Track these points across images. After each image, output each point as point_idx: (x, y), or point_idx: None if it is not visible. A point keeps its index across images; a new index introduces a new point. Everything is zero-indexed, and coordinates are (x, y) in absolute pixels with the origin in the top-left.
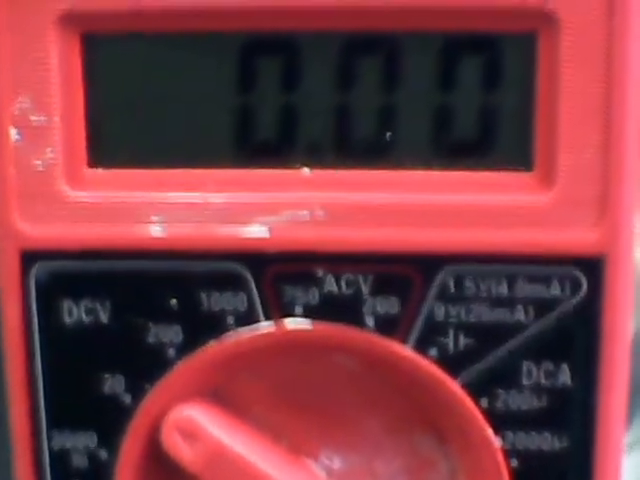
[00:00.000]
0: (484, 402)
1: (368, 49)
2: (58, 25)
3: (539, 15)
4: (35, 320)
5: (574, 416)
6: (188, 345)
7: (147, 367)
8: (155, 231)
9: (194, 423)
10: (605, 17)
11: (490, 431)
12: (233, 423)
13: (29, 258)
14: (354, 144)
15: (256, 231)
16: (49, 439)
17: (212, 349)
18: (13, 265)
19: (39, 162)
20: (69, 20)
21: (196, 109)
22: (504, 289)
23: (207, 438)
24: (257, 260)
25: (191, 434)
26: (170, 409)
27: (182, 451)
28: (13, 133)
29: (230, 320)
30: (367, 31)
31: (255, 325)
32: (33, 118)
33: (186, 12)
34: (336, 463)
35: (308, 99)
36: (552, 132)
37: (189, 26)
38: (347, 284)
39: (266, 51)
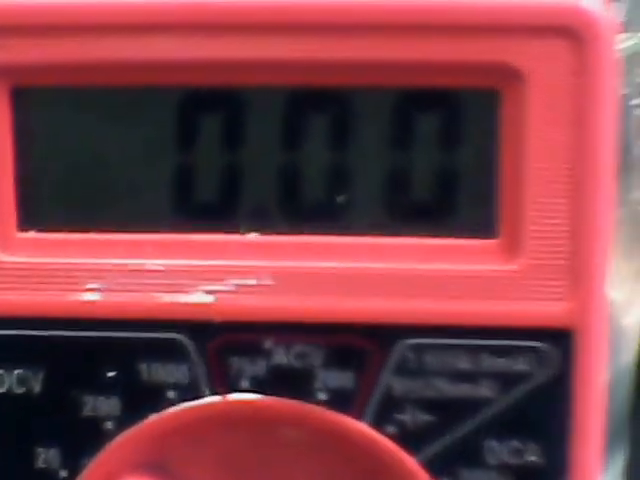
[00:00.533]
0: None
1: (316, 105)
2: None
3: (503, 71)
4: None
5: None
6: (127, 418)
7: (84, 441)
8: (91, 298)
9: None
10: (575, 74)
11: None
12: None
13: None
14: (303, 207)
15: (199, 299)
16: None
17: (152, 422)
18: None
19: None
20: None
21: (133, 168)
22: (466, 363)
23: None
24: (200, 329)
25: None
26: None
27: None
28: None
29: (171, 393)
30: (315, 86)
31: (198, 398)
32: None
33: (121, 65)
34: None
35: (253, 158)
36: (517, 196)
37: (125, 80)
38: (297, 356)
39: (207, 106)
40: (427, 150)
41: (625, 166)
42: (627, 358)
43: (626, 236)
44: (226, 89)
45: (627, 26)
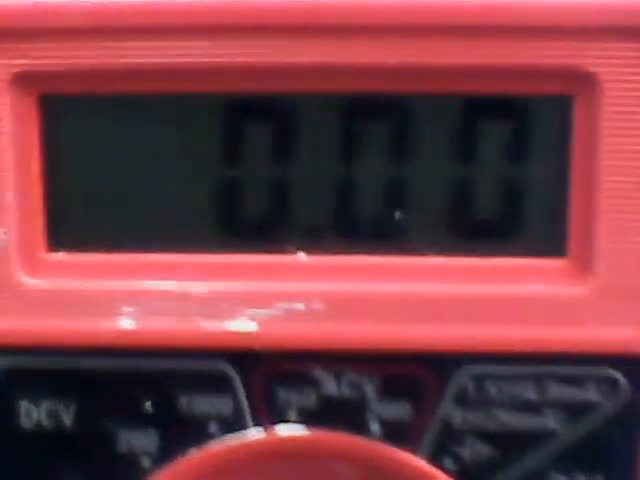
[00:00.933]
0: None
1: (374, 114)
2: (12, 85)
3: (576, 76)
4: None
5: None
6: (165, 454)
7: (118, 479)
8: (126, 324)
9: None
10: None
11: None
12: None
13: None
14: (358, 225)
15: (244, 325)
16: None
17: (192, 459)
18: None
19: None
20: (25, 80)
21: (173, 183)
22: (531, 392)
23: None
24: (244, 358)
25: None
26: None
27: None
28: None
29: (213, 426)
30: (372, 93)
31: (242, 432)
32: None
33: (159, 70)
34: None
35: (304, 172)
36: (589, 211)
37: (163, 87)
38: (349, 386)
39: (256, 116)
40: (493, 162)
41: None
42: None
43: None
44: (276, 97)
45: None
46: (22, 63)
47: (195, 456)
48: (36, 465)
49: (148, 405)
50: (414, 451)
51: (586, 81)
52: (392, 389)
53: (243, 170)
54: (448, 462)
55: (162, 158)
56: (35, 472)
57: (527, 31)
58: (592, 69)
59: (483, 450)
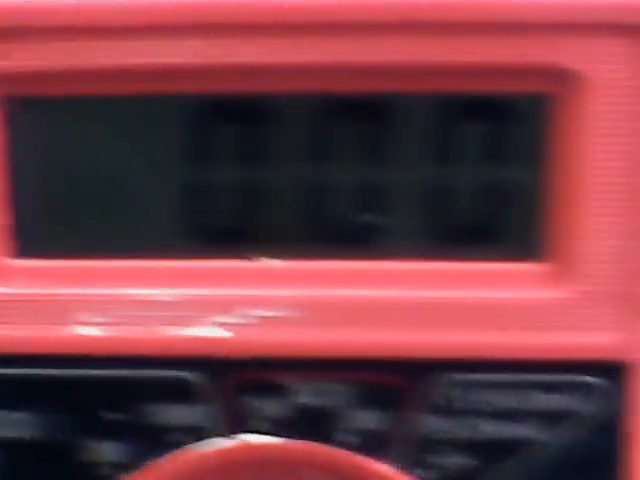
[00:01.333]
0: None
1: (348, 115)
2: None
3: (556, 74)
4: None
5: None
6: (131, 463)
7: None
8: (91, 333)
9: None
10: (637, 79)
11: None
12: None
13: None
14: (330, 229)
15: (212, 333)
16: None
17: (158, 467)
18: None
19: None
20: None
21: (139, 187)
22: (508, 400)
23: None
24: (213, 367)
25: None
26: None
27: None
28: None
29: (180, 435)
30: (347, 93)
31: (210, 441)
32: None
33: (125, 71)
34: None
35: (275, 174)
36: (570, 214)
37: (128, 88)
38: (322, 395)
39: (225, 116)
40: (470, 164)
41: None
42: None
43: None
44: (245, 98)
45: None
46: None
47: (161, 465)
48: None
49: (114, 415)
50: (388, 461)
51: (567, 80)
52: (366, 397)
53: (211, 173)
54: (423, 472)
55: (127, 162)
56: None
57: (506, 28)
58: (573, 67)
59: (459, 459)
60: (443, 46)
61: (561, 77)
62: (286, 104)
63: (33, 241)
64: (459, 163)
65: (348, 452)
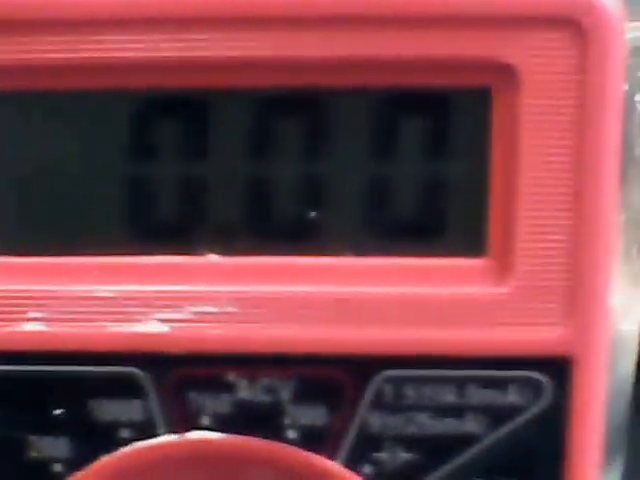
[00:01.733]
0: None
1: (288, 110)
2: None
3: (494, 68)
4: None
5: None
6: (77, 460)
7: None
8: (33, 328)
9: None
10: (576, 71)
11: None
12: None
13: None
14: (272, 225)
15: (154, 329)
16: None
17: (104, 464)
18: None
19: None
20: None
21: (80, 183)
22: (452, 396)
23: None
24: (155, 362)
25: None
26: None
27: None
28: None
29: (125, 432)
30: (286, 88)
31: (155, 437)
32: None
33: (66, 66)
34: None
35: (215, 170)
36: (509, 209)
37: (69, 83)
38: (264, 390)
39: (166, 112)
40: (410, 160)
41: (627, 166)
42: (626, 368)
43: (627, 239)
44: (187, 93)
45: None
46: None
47: (106, 461)
48: None
49: (58, 411)
50: (331, 456)
51: (503, 73)
52: (308, 393)
53: (153, 169)
54: (367, 468)
55: (69, 157)
56: None
57: (442, 22)
58: (509, 60)
59: (403, 455)
60: (380, 40)
61: (498, 71)
62: (229, 100)
63: None
64: (400, 158)
65: (292, 448)
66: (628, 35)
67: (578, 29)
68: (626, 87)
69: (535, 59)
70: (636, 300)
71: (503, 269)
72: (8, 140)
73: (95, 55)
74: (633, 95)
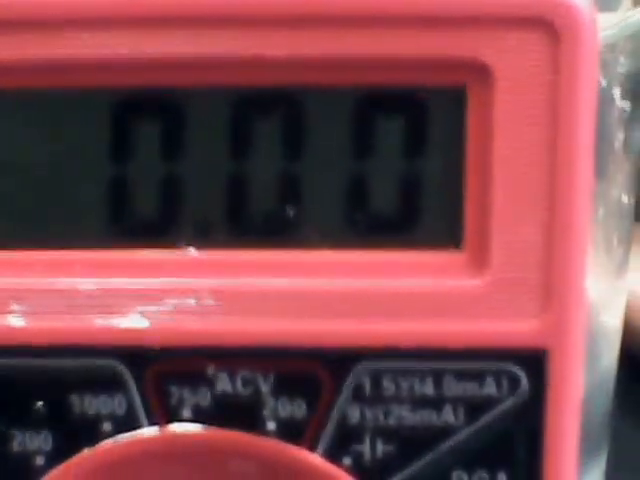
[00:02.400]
0: None
1: (264, 108)
2: None
3: (469, 67)
4: None
5: None
6: (58, 453)
7: (12, 478)
8: (14, 322)
9: None
10: (550, 71)
11: None
12: None
13: None
14: (250, 220)
15: (134, 322)
16: None
17: (86, 457)
18: None
19: None
20: None
21: (61, 180)
22: (429, 388)
23: None
24: (136, 356)
25: None
26: None
27: None
28: None
29: (106, 425)
30: (263, 87)
31: (136, 430)
32: None
33: (45, 65)
34: None
35: (195, 167)
36: (485, 204)
37: (48, 82)
38: (244, 383)
39: (144, 111)
40: (387, 156)
41: (606, 160)
42: (608, 362)
43: (608, 231)
44: (164, 92)
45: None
46: None
47: (87, 454)
48: None
49: (39, 405)
50: (311, 449)
51: (478, 72)
52: (287, 386)
53: (132, 166)
54: (346, 460)
55: (50, 154)
56: None
57: (419, 21)
58: (484, 60)
59: (382, 447)
60: (355, 39)
61: (473, 70)
62: (207, 98)
63: None
64: (377, 155)
65: (272, 440)
66: (607, 32)
67: (551, 29)
68: (604, 82)
69: (509, 58)
70: (618, 293)
71: (479, 262)
72: None
73: (71, 53)
74: (611, 90)
